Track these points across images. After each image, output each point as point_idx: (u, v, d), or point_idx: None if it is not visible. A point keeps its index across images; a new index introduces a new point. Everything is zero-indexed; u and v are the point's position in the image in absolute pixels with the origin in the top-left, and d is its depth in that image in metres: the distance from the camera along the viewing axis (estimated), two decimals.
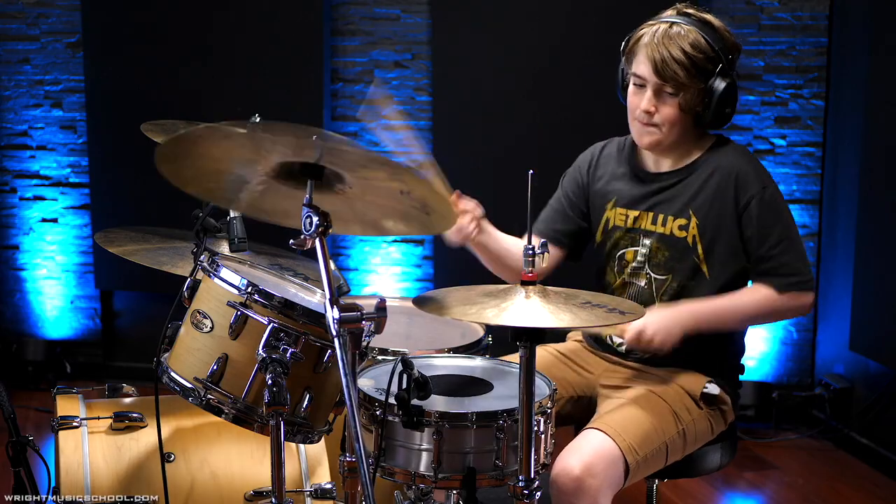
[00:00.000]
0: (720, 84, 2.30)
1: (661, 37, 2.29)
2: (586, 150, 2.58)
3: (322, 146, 1.73)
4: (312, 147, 1.75)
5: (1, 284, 4.75)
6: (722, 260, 2.36)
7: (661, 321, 2.28)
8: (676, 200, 2.38)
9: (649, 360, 2.43)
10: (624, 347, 2.42)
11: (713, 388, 2.37)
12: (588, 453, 2.16)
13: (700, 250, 2.36)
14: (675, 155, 2.41)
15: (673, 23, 2.30)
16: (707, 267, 2.36)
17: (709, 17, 2.34)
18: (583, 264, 2.60)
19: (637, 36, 2.34)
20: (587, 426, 2.26)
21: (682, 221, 2.37)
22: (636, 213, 2.43)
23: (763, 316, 2.38)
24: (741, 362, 2.51)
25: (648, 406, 2.30)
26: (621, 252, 2.46)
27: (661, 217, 2.40)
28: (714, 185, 2.35)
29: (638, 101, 2.34)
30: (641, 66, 2.32)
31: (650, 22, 2.35)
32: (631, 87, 2.37)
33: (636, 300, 2.39)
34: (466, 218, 2.37)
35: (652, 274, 2.41)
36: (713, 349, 2.41)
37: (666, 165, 2.43)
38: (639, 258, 2.43)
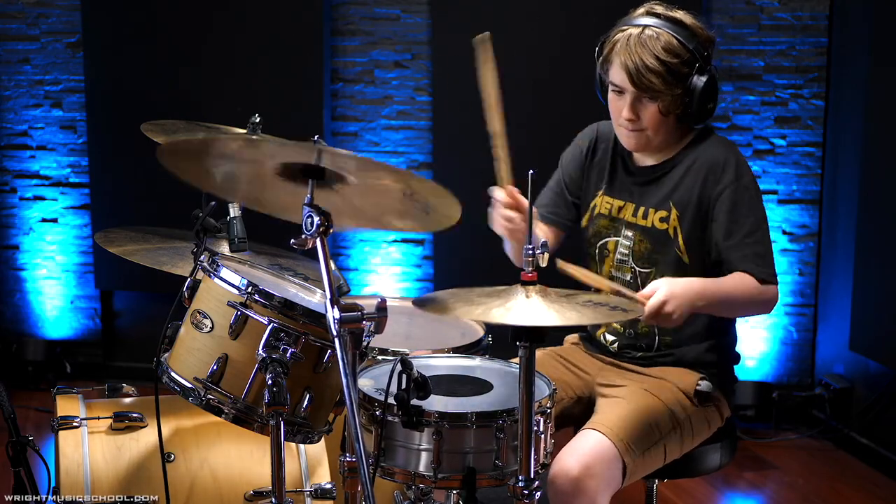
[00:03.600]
0: (699, 82, 2.29)
1: (633, 44, 2.27)
2: (585, 130, 2.57)
3: (321, 151, 1.74)
4: (312, 151, 1.75)
5: (1, 284, 4.75)
6: (703, 250, 2.36)
7: (680, 295, 2.16)
8: (658, 193, 2.39)
9: (642, 359, 2.44)
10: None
11: (705, 386, 2.38)
12: (586, 453, 2.16)
13: (681, 241, 2.36)
14: (661, 150, 2.42)
15: (644, 26, 2.29)
16: (689, 258, 2.36)
17: (679, 14, 2.32)
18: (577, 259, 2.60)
19: (610, 42, 2.33)
20: (584, 427, 2.26)
21: (663, 213, 2.38)
22: (620, 202, 2.44)
23: (750, 304, 2.32)
24: (735, 354, 2.51)
25: (644, 405, 2.30)
26: (603, 241, 2.47)
27: (642, 210, 2.40)
28: (693, 176, 2.36)
29: (619, 108, 2.35)
30: (617, 75, 2.32)
31: (621, 26, 2.33)
32: (611, 94, 2.37)
33: None
34: (516, 215, 2.29)
35: (637, 268, 2.41)
36: (703, 346, 2.42)
37: (650, 159, 2.44)
38: (622, 250, 2.43)
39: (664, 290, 2.14)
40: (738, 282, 2.30)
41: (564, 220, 2.55)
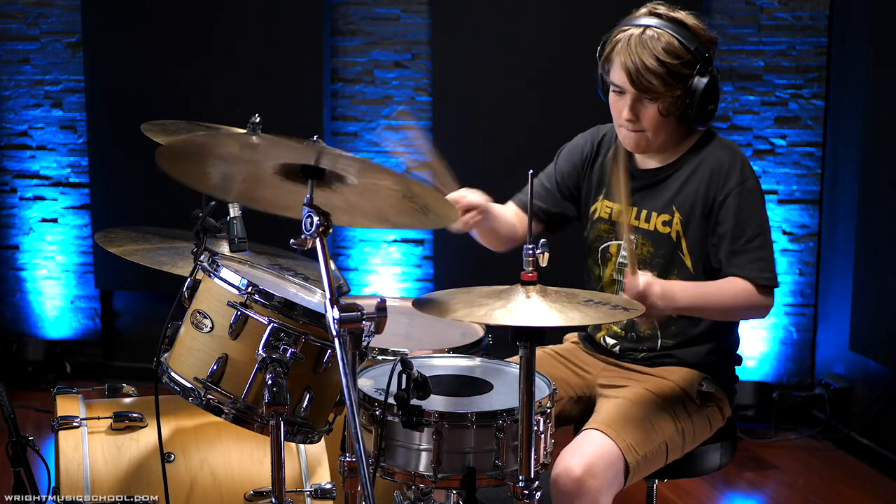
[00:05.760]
0: (700, 83, 2.28)
1: (634, 45, 2.26)
2: (587, 132, 2.57)
3: (320, 151, 1.74)
4: (311, 151, 1.75)
5: (1, 284, 4.75)
6: (706, 254, 2.35)
7: (663, 282, 2.22)
8: (660, 197, 2.39)
9: (644, 359, 2.44)
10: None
11: (708, 387, 2.38)
12: (589, 454, 2.16)
13: (684, 245, 2.36)
14: (662, 152, 2.42)
15: (646, 27, 2.28)
16: (692, 262, 2.36)
17: (680, 15, 2.31)
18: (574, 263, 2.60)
19: (611, 42, 2.32)
20: (586, 426, 2.26)
21: (666, 217, 2.37)
22: (620, 206, 2.43)
23: (741, 309, 2.33)
24: (737, 356, 2.50)
25: (646, 405, 2.30)
26: (605, 245, 2.46)
27: (644, 213, 2.40)
28: (697, 180, 2.35)
29: (620, 108, 2.34)
30: (617, 75, 2.31)
31: (623, 26, 2.32)
32: (611, 94, 2.37)
33: None
34: (471, 213, 2.36)
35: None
36: (705, 348, 2.41)
37: (652, 162, 2.43)
38: (623, 253, 2.43)
39: (649, 274, 2.19)
40: (730, 286, 2.30)
41: (542, 213, 2.54)
